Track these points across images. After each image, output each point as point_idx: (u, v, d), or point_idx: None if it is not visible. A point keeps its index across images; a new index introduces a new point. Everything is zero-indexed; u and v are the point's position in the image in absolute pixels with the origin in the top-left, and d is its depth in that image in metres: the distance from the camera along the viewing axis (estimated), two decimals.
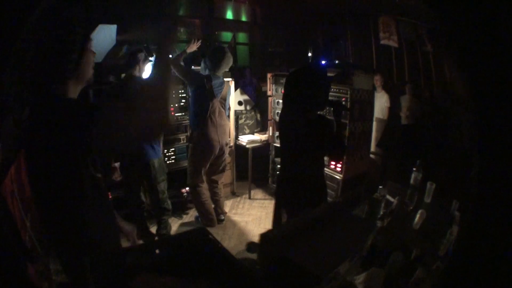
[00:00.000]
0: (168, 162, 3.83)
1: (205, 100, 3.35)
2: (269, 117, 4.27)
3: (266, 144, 4.35)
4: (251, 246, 3.02)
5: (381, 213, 1.94)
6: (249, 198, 4.44)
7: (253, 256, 1.63)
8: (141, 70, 3.02)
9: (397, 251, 1.52)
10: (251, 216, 4.02)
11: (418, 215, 1.90)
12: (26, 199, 2.82)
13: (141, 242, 3.01)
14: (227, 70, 3.55)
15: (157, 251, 1.46)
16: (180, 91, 3.85)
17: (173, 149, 3.90)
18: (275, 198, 2.58)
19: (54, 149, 1.22)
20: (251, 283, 1.22)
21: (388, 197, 2.12)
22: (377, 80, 4.93)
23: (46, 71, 1.25)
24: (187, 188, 3.95)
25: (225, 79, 3.56)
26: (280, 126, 2.43)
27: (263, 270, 1.43)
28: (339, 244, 1.47)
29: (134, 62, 2.97)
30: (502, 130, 0.77)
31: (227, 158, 3.95)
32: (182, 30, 5.19)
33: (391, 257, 1.49)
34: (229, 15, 5.74)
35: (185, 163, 3.88)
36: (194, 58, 4.00)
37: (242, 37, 5.97)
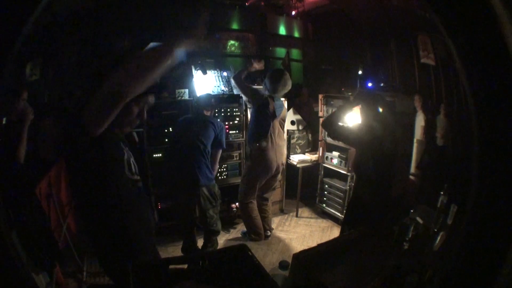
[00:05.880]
0: (219, 177, 3.94)
1: (266, 120, 3.41)
2: (320, 138, 4.29)
3: (315, 164, 4.37)
4: (283, 264, 3.21)
5: (409, 236, 2.02)
6: (296, 216, 4.48)
7: (286, 273, 1.79)
8: None
9: (413, 273, 1.58)
10: (296, 233, 4.06)
11: (439, 237, 1.98)
12: (63, 203, 2.92)
13: None
14: (286, 92, 3.55)
15: (204, 263, 1.55)
16: (234, 110, 3.94)
17: (225, 165, 4.02)
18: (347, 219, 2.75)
19: (95, 160, 1.31)
20: None
21: (418, 219, 2.19)
22: (417, 100, 4.82)
23: None
24: (237, 204, 4.06)
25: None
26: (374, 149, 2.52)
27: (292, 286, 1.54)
28: (366, 266, 1.56)
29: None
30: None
31: (279, 177, 4.01)
32: (236, 44, 5.31)
33: (407, 279, 1.56)
34: (282, 30, 5.77)
35: (236, 180, 4.00)
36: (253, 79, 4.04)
37: (295, 53, 5.93)
